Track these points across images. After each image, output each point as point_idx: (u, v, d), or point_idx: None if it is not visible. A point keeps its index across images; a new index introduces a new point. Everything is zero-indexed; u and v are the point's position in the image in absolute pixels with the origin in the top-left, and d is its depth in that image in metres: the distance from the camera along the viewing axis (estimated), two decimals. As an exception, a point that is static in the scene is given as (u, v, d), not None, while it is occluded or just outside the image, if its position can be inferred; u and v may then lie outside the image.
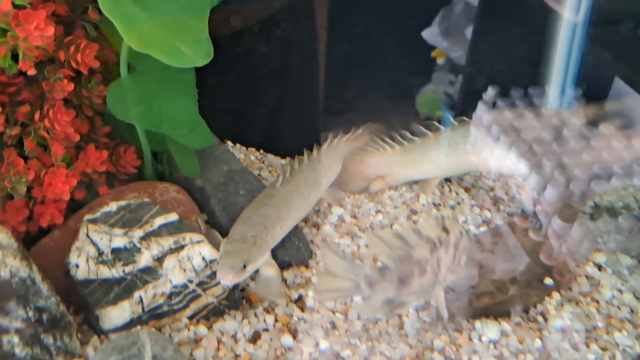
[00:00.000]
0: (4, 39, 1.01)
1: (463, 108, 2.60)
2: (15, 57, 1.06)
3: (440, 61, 3.48)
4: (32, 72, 1.05)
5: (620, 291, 1.22)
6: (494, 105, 2.42)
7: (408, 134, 1.52)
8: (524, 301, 1.17)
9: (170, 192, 1.31)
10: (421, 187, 1.53)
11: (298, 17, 1.64)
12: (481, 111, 2.30)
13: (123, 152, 1.30)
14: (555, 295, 1.19)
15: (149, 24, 1.07)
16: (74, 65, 1.13)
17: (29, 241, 1.17)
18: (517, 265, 1.18)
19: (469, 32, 3.00)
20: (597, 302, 1.19)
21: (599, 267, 1.27)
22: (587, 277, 1.25)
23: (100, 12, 1.15)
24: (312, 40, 1.74)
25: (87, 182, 1.22)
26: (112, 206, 1.16)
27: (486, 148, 1.41)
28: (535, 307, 1.18)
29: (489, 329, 1.12)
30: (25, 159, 1.13)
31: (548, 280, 1.20)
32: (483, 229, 1.39)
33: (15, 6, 1.02)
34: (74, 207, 1.22)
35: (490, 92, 2.45)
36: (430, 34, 3.25)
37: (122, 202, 1.17)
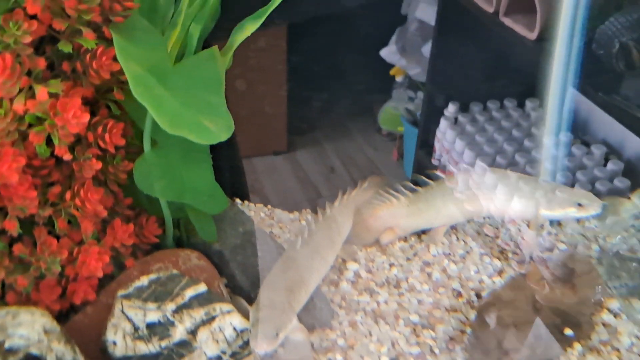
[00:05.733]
0: (41, 127, 1.04)
1: (425, 124, 2.71)
2: (47, 141, 1.08)
3: (399, 79, 3.58)
4: (67, 157, 1.08)
5: (638, 337, 1.26)
6: (455, 120, 2.54)
7: (411, 185, 1.56)
8: (547, 353, 1.21)
9: (192, 259, 1.33)
10: (429, 237, 1.56)
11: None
12: (444, 127, 2.42)
13: (145, 222, 1.32)
14: (577, 346, 1.23)
15: (176, 104, 1.10)
16: (101, 144, 1.16)
17: (59, 319, 1.17)
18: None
19: (425, 49, 3.10)
20: (618, 350, 1.23)
21: (614, 314, 1.31)
22: (604, 324, 1.28)
23: (124, 92, 1.18)
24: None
25: (113, 255, 1.24)
26: (144, 280, 1.18)
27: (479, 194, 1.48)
28: (558, 358, 1.21)
29: (518, 383, 1.15)
30: (56, 237, 1.15)
31: (568, 331, 1.24)
32: (496, 279, 1.43)
33: (50, 94, 1.05)
34: (102, 282, 1.24)
35: (451, 108, 2.57)
36: (388, 52, 3.34)
37: (153, 276, 1.19)
